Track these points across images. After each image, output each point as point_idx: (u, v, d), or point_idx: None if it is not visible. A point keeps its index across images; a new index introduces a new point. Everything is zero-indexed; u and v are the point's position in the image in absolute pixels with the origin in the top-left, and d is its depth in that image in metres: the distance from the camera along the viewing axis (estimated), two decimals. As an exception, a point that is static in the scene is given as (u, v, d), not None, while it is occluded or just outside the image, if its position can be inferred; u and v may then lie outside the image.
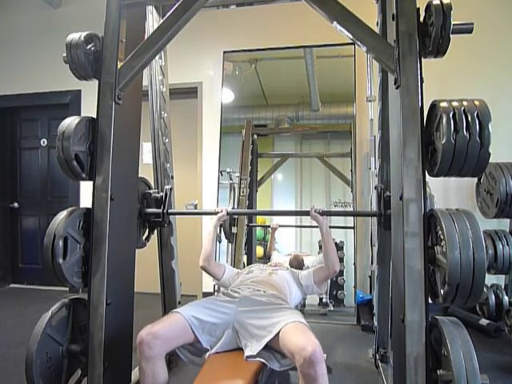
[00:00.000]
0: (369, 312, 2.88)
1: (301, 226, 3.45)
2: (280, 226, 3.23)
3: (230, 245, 3.22)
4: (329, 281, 3.07)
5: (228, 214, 1.99)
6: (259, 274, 1.87)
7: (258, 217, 3.58)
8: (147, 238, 2.06)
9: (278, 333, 1.33)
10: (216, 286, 3.21)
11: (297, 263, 2.48)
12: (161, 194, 2.03)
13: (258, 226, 3.58)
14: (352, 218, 3.18)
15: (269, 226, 3.30)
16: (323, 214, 1.84)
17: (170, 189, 2.05)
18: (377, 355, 2.08)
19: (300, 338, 1.24)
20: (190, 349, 1.48)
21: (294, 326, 1.32)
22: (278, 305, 1.53)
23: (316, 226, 1.89)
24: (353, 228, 3.14)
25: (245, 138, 3.46)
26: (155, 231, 2.12)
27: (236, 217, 2.99)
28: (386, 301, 2.02)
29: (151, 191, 2.02)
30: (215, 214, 1.98)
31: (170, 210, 2.02)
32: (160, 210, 1.98)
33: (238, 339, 1.46)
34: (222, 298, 1.60)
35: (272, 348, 1.38)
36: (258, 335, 1.40)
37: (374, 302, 2.53)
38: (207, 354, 1.44)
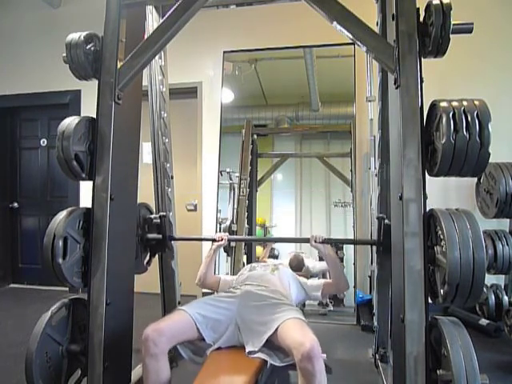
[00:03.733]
0: (369, 312, 2.88)
1: (301, 241, 3.39)
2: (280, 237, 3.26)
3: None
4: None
5: (228, 240, 2.00)
6: (262, 270, 1.89)
7: (258, 217, 3.58)
8: (148, 263, 2.06)
9: (277, 328, 1.36)
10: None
11: (297, 262, 2.49)
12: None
13: (258, 240, 3.51)
14: (351, 209, 3.18)
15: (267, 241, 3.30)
16: (324, 242, 1.84)
17: (164, 216, 2.01)
18: (376, 355, 2.08)
19: (298, 333, 1.26)
20: (192, 347, 1.50)
21: (292, 322, 1.35)
22: (279, 300, 1.56)
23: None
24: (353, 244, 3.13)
25: (245, 138, 3.45)
26: (156, 256, 2.12)
27: (235, 229, 3.04)
28: (385, 301, 2.01)
29: (152, 216, 2.02)
30: (215, 240, 1.99)
31: (170, 236, 2.05)
32: (160, 236, 1.99)
33: (239, 335, 1.48)
34: (224, 295, 1.64)
35: (273, 344, 1.40)
36: (259, 331, 1.42)
37: (373, 301, 2.53)
38: (209, 349, 1.46)
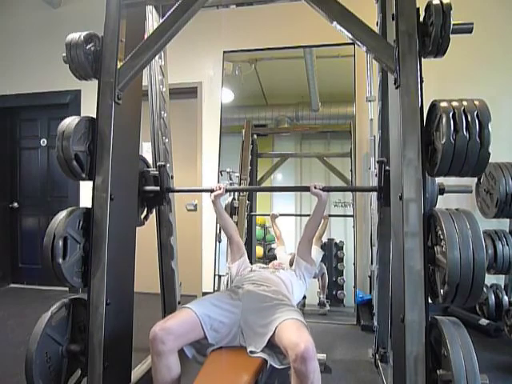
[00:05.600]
0: (369, 312, 2.88)
1: (301, 215, 3.41)
2: (280, 214, 3.21)
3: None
4: (327, 279, 3.08)
5: (226, 190, 1.96)
6: (262, 272, 1.89)
7: (257, 217, 3.58)
8: (146, 217, 2.03)
9: (276, 329, 1.36)
10: (216, 285, 3.23)
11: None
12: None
13: (259, 214, 3.51)
14: (351, 209, 3.19)
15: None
16: (323, 189, 1.85)
17: (163, 165, 1.96)
18: (376, 355, 2.08)
19: (294, 334, 1.27)
20: (196, 346, 1.51)
21: (289, 323, 1.36)
22: (280, 301, 1.56)
23: None
24: (352, 216, 3.13)
25: (245, 137, 3.46)
26: (153, 210, 2.09)
27: (236, 206, 2.98)
28: (385, 301, 2.02)
29: (150, 169, 2.00)
30: (213, 190, 1.94)
31: (167, 187, 2.00)
32: (158, 188, 1.95)
33: (241, 337, 1.49)
34: (228, 295, 1.64)
35: (273, 345, 1.41)
36: (261, 333, 1.43)
37: (373, 301, 2.53)
38: (211, 349, 1.47)
